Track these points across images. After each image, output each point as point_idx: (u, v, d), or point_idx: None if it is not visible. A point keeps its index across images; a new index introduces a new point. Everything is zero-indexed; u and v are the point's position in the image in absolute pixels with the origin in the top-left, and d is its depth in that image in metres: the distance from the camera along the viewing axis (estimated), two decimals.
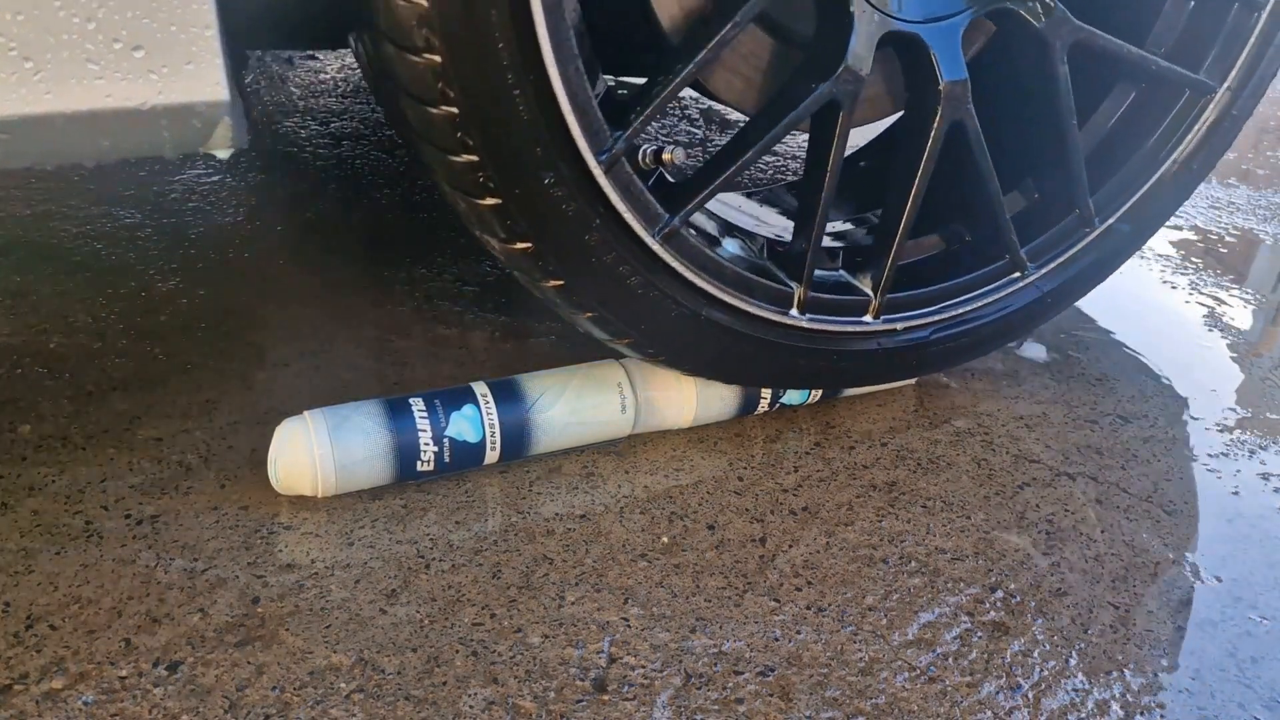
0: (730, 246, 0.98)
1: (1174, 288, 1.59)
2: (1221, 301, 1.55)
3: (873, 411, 1.14)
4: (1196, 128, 1.07)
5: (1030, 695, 0.79)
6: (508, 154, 0.79)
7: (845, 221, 1.13)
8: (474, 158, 0.78)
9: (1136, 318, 1.47)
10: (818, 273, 0.99)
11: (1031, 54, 0.97)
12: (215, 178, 1.61)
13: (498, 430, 0.93)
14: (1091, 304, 1.48)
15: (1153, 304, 1.53)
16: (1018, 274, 1.07)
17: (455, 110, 0.75)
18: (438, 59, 0.73)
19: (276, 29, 1.18)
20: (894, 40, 0.91)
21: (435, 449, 0.91)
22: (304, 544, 0.86)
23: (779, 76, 0.97)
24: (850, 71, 0.88)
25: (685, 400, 1.02)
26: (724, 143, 0.98)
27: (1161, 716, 0.78)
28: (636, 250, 0.88)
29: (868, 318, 1.01)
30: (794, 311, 0.98)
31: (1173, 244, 1.77)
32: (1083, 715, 0.78)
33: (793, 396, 1.09)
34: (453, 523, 0.90)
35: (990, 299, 1.07)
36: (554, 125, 0.78)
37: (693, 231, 0.93)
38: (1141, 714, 0.78)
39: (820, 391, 1.11)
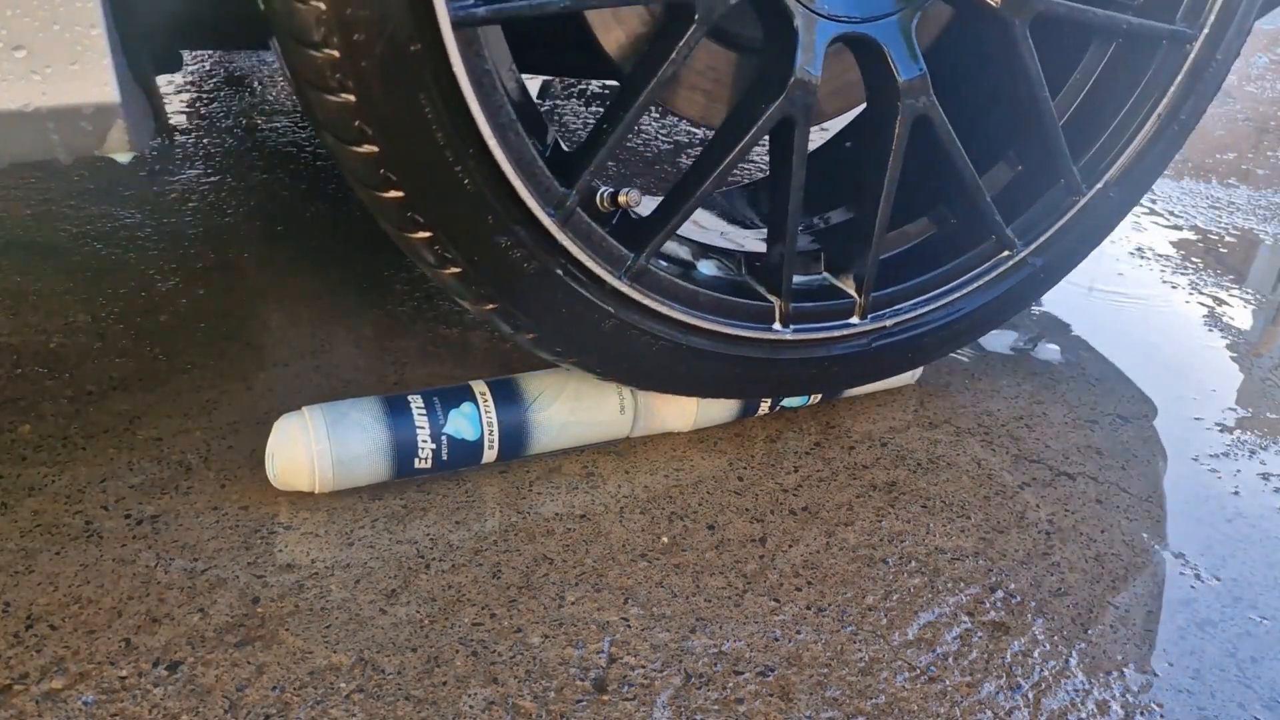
0: (706, 268, 0.97)
1: (1174, 288, 1.59)
2: (1221, 301, 1.55)
3: (873, 411, 1.14)
4: (1179, 78, 1.02)
5: (1030, 695, 0.79)
6: (460, 226, 0.79)
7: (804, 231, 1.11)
8: (427, 233, 0.78)
9: (1137, 318, 1.47)
10: (799, 279, 0.98)
11: (994, 35, 0.94)
12: (215, 178, 1.61)
13: (496, 429, 0.93)
14: (1091, 304, 1.48)
15: (1153, 304, 1.53)
16: (1007, 253, 1.05)
17: (401, 194, 0.75)
18: (375, 149, 0.73)
19: (190, 30, 1.16)
20: (845, 41, 0.89)
21: (433, 446, 0.91)
22: (304, 544, 0.86)
23: (739, 86, 0.95)
24: (801, 84, 0.86)
25: (685, 403, 1.02)
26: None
27: (1161, 716, 0.78)
28: (605, 294, 0.88)
29: (854, 319, 1.00)
30: (777, 326, 0.97)
31: (1173, 244, 1.77)
32: (1083, 715, 0.78)
33: (793, 399, 1.09)
34: (453, 523, 0.90)
35: (980, 282, 1.05)
36: (502, 192, 0.78)
37: (663, 263, 0.92)
38: (1141, 714, 0.78)
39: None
